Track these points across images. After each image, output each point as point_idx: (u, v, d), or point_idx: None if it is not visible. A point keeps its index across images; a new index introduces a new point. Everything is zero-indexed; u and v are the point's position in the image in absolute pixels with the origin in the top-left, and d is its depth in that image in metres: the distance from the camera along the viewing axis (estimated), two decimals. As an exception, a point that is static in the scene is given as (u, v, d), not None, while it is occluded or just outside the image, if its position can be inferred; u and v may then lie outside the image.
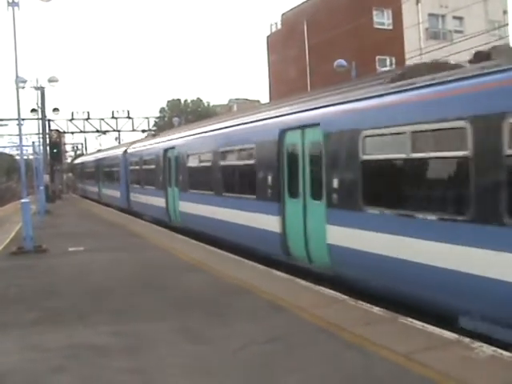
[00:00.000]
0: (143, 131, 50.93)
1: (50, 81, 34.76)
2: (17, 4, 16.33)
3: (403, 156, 8.78)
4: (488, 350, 6.32)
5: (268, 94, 54.49)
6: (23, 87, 31.52)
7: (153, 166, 23.81)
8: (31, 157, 48.04)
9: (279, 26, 53.91)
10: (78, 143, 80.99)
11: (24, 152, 25.36)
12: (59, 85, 34.90)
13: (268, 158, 12.85)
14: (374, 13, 42.68)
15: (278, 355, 6.57)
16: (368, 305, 8.53)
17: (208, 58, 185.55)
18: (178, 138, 20.91)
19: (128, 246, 16.37)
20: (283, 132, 12.16)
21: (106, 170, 36.17)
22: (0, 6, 69.57)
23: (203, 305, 9.12)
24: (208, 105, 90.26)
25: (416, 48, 38.25)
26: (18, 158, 61.10)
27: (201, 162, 17.94)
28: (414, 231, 8.36)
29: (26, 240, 15.95)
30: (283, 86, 46.45)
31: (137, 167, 27.06)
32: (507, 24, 43.86)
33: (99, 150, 51.47)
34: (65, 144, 67.51)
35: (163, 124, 66.74)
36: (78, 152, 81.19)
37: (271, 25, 55.31)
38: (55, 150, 41.14)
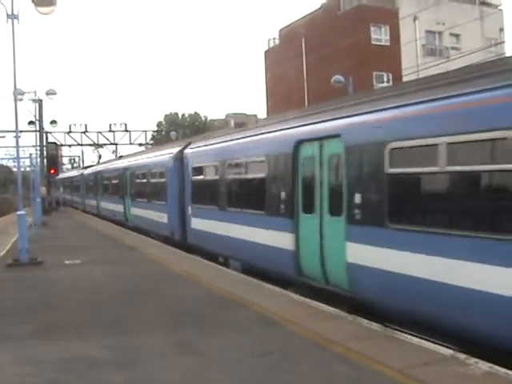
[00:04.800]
0: (140, 145, 51.05)
1: (47, 93, 34.89)
2: (16, 17, 16.26)
3: None
4: (484, 366, 6.30)
5: (265, 110, 54.78)
6: (21, 99, 31.65)
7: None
8: (28, 169, 48.05)
9: (277, 41, 54.19)
10: (75, 156, 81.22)
11: (21, 164, 25.30)
12: (57, 97, 35.11)
13: None
14: (372, 29, 42.94)
15: (274, 368, 6.54)
16: (365, 321, 8.51)
17: (206, 73, 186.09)
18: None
19: (123, 259, 16.36)
20: None
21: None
22: (-1, 18, 69.49)
23: (198, 318, 9.09)
24: (205, 119, 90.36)
25: (413, 64, 38.44)
26: (14, 169, 61.01)
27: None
28: None
29: (21, 252, 15.89)
30: (281, 101, 46.61)
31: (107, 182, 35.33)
32: (504, 41, 44.19)
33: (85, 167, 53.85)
34: (62, 156, 67.57)
35: (160, 138, 66.71)
36: (75, 165, 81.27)
37: (269, 40, 55.65)
38: (52, 163, 41.11)
